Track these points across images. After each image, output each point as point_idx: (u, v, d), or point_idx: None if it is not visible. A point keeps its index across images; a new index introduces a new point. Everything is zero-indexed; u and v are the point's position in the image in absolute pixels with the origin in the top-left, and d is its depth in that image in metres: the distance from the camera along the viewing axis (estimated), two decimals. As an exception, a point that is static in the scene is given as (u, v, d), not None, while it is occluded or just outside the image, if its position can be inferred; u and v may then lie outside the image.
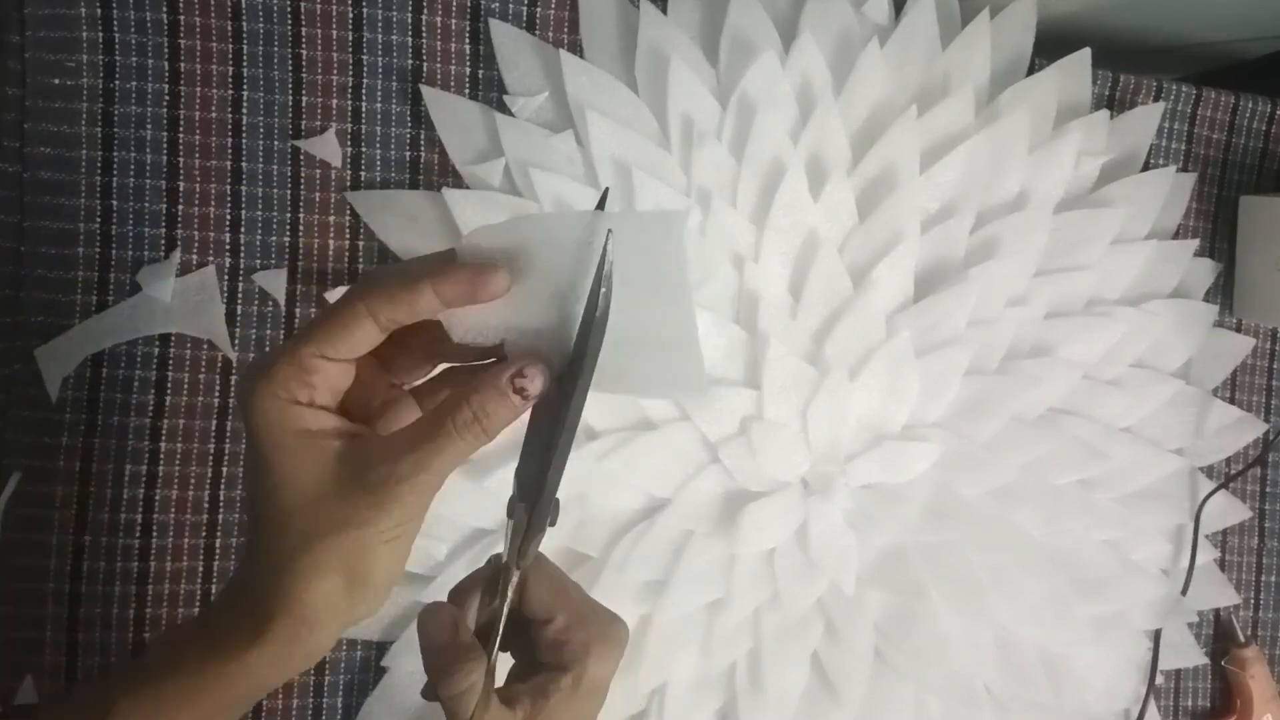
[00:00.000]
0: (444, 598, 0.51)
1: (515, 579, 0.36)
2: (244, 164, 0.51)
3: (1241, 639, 0.66)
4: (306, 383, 0.31)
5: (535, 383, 0.31)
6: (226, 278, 0.51)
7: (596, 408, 0.53)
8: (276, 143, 0.52)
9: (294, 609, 0.31)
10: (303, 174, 0.52)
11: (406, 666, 0.52)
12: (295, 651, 0.32)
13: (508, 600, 0.36)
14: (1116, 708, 0.63)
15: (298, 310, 0.52)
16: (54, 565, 0.49)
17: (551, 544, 0.52)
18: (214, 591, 0.51)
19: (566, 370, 0.33)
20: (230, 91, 0.51)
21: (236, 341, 0.51)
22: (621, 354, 0.33)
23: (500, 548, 0.36)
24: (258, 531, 0.32)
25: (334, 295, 0.51)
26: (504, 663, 0.38)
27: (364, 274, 0.33)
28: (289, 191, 0.52)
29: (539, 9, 0.54)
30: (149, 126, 0.50)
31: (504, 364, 0.32)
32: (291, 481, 0.31)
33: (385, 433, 0.33)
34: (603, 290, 0.32)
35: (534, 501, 0.34)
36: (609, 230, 0.32)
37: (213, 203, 0.51)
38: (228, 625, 0.32)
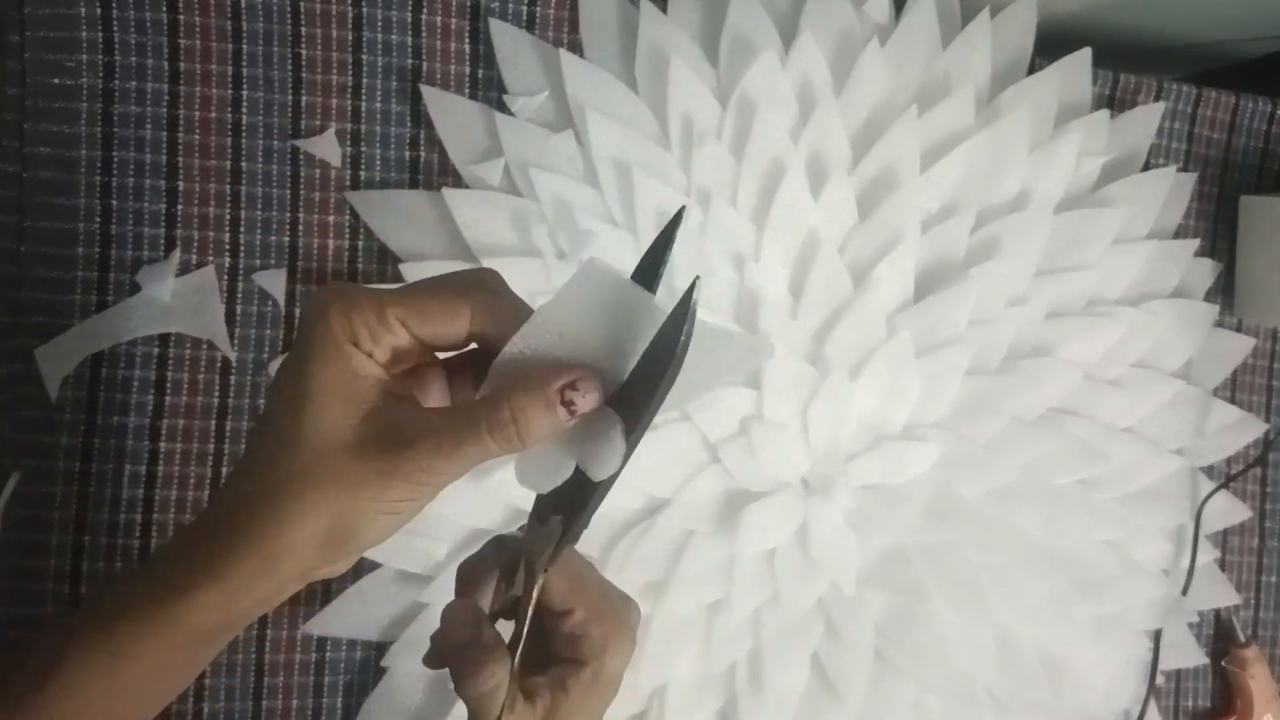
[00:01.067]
0: (443, 597, 0.51)
1: (540, 582, 0.35)
2: (244, 164, 0.51)
3: (1241, 639, 0.66)
4: (376, 337, 0.30)
5: (588, 399, 0.29)
6: (226, 277, 0.51)
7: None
8: (276, 142, 0.52)
9: (263, 544, 0.29)
10: (302, 174, 0.52)
11: (407, 667, 0.52)
12: (250, 592, 0.30)
13: (531, 603, 0.35)
14: (1117, 708, 0.63)
15: (297, 310, 0.52)
16: (54, 565, 0.49)
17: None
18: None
19: (622, 400, 0.31)
20: (230, 91, 0.51)
21: (236, 341, 0.51)
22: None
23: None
24: (258, 450, 0.31)
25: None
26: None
27: (485, 274, 0.32)
28: (289, 191, 0.52)
29: (539, 8, 0.54)
30: (149, 126, 0.50)
31: (555, 368, 0.30)
32: (318, 413, 0.29)
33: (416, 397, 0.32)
34: (683, 338, 0.29)
35: (572, 515, 0.33)
36: (696, 279, 0.30)
37: (212, 202, 0.51)
38: (183, 559, 0.31)
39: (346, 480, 0.29)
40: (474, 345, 0.32)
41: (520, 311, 0.31)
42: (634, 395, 0.30)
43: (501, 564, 0.36)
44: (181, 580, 0.30)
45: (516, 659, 0.34)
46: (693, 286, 0.30)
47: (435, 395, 0.34)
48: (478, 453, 0.29)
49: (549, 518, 0.34)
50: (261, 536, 0.29)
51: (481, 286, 0.31)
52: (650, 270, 0.33)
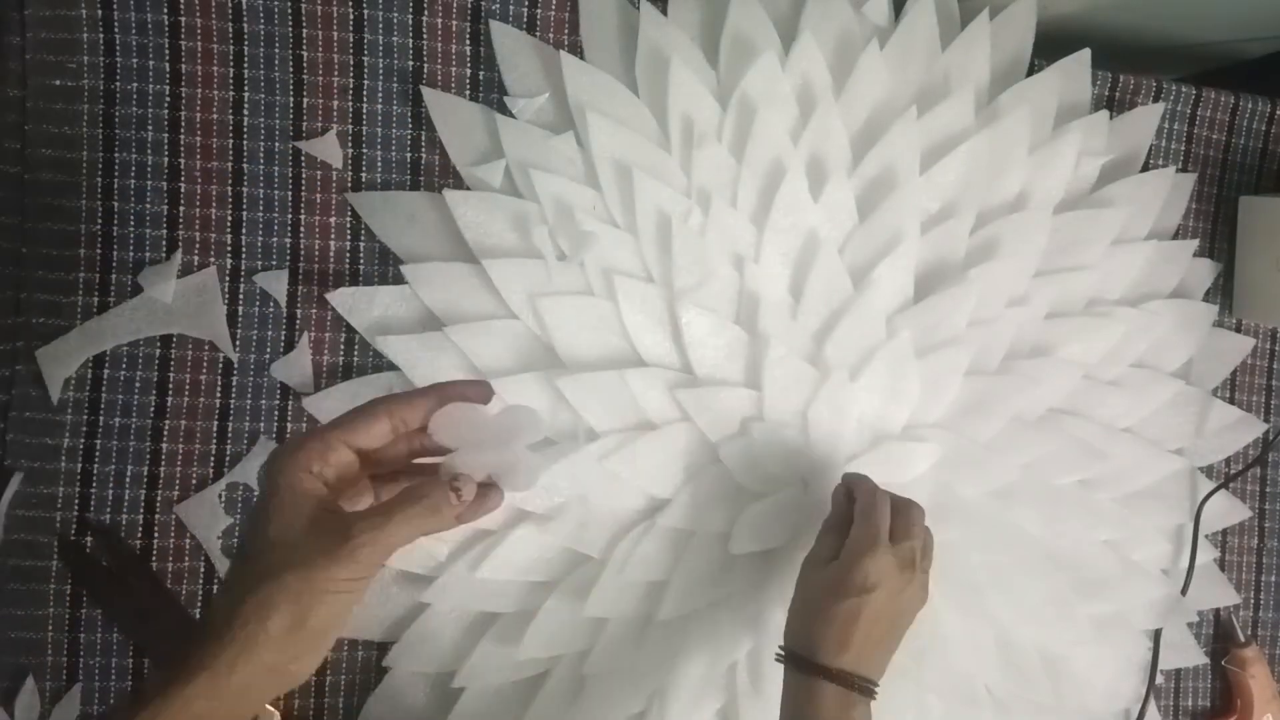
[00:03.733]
0: (444, 597, 0.51)
1: None
2: (245, 165, 0.51)
3: (1241, 639, 0.66)
4: (324, 457, 0.39)
5: (467, 489, 0.39)
6: (227, 279, 0.51)
7: (596, 408, 0.53)
8: (277, 144, 0.52)
9: (243, 629, 0.36)
10: (304, 175, 0.52)
11: (408, 667, 0.52)
12: (233, 671, 0.36)
13: None
14: (1117, 707, 0.63)
15: (298, 311, 0.52)
16: (55, 566, 0.49)
17: (552, 543, 0.52)
18: (215, 592, 0.51)
19: None
20: (231, 93, 0.51)
21: (237, 342, 0.51)
22: None
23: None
24: (237, 564, 0.39)
25: (334, 296, 0.52)
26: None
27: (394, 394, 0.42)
28: (290, 193, 0.52)
29: (539, 10, 0.54)
30: (150, 128, 0.50)
31: (450, 473, 0.40)
32: (278, 524, 0.37)
33: (350, 508, 0.40)
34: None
35: None
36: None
37: (214, 204, 0.51)
38: (186, 654, 0.37)
39: (299, 564, 0.36)
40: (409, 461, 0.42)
41: (420, 402, 0.40)
42: None
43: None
44: (183, 668, 0.36)
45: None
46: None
47: (366, 503, 0.42)
48: (403, 532, 0.37)
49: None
50: (242, 624, 0.36)
51: (391, 397, 0.41)
52: None
